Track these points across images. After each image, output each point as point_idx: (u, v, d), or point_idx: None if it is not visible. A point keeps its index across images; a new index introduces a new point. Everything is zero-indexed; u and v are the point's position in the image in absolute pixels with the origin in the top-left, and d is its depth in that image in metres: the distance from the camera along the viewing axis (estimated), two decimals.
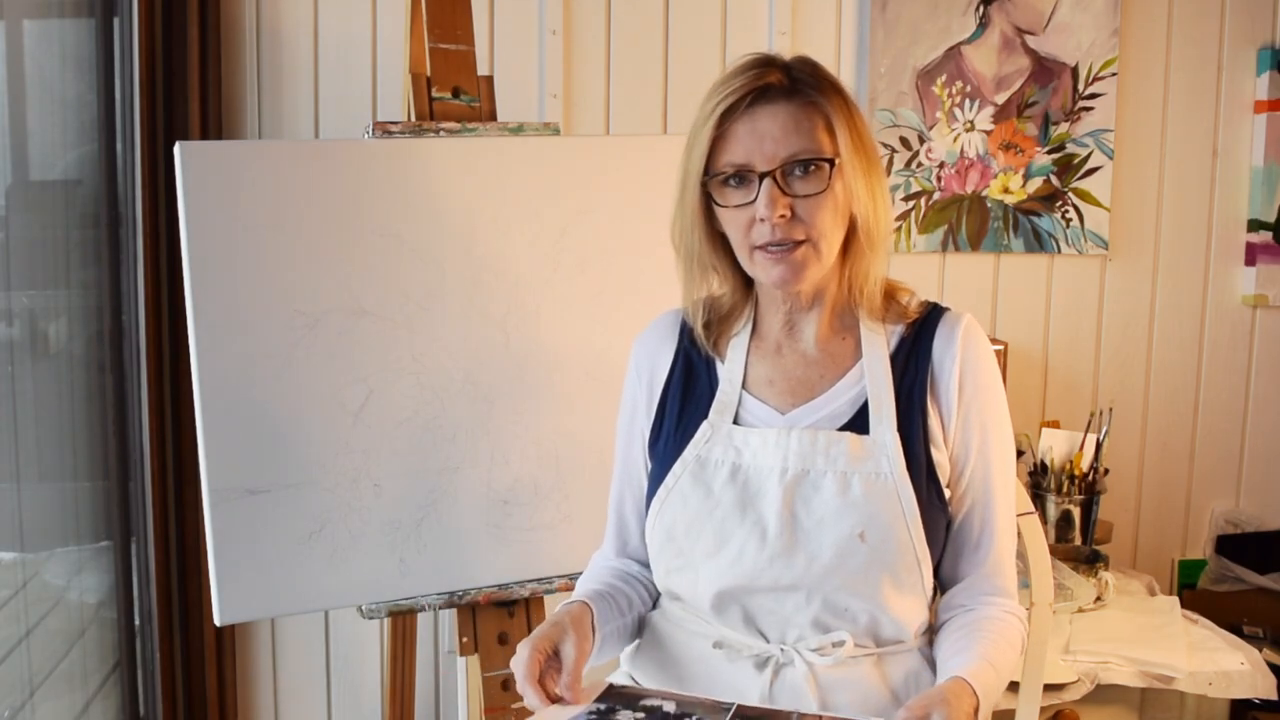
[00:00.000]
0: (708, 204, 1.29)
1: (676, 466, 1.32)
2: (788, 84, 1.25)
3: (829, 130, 1.24)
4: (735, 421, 1.33)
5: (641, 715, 1.17)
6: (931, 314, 1.34)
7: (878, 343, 1.32)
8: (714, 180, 1.27)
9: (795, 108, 1.24)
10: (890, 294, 1.35)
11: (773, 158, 1.23)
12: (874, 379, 1.30)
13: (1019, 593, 1.38)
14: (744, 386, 1.34)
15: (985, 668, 1.22)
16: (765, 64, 1.26)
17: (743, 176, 1.25)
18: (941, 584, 1.36)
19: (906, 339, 1.32)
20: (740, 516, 1.28)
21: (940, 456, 1.30)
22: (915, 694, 1.28)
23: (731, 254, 1.32)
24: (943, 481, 1.30)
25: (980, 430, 1.31)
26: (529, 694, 1.20)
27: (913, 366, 1.31)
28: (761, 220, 1.24)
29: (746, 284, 1.37)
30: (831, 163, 1.24)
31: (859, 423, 1.29)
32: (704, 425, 1.33)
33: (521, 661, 1.21)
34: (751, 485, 1.29)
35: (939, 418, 1.30)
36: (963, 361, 1.30)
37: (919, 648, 1.32)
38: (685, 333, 1.40)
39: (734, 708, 1.17)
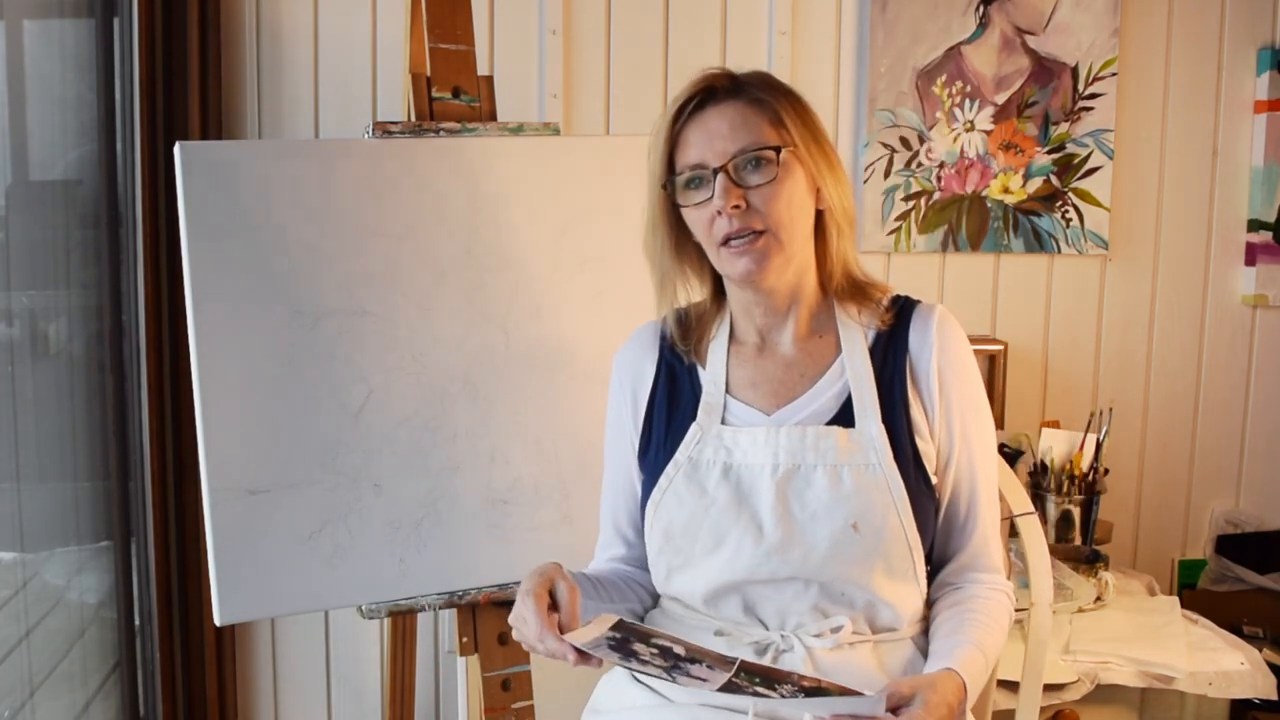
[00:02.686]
0: (675, 211, 1.34)
1: (669, 469, 1.35)
2: (732, 86, 1.32)
3: (779, 124, 1.30)
4: (722, 423, 1.35)
5: (655, 650, 1.16)
6: (905, 307, 1.38)
7: (856, 338, 1.36)
8: (677, 184, 1.32)
9: (742, 105, 1.30)
10: (864, 290, 1.38)
11: (723, 153, 1.28)
12: (855, 374, 1.34)
13: (1019, 593, 1.39)
14: (727, 391, 1.37)
15: (974, 654, 1.26)
16: (713, 73, 1.33)
17: (700, 176, 1.30)
18: (933, 565, 1.39)
19: (883, 333, 1.36)
20: (735, 513, 1.30)
21: (925, 446, 1.33)
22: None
23: (702, 261, 1.37)
24: (929, 469, 1.33)
25: (961, 417, 1.35)
26: (548, 641, 1.17)
27: (891, 359, 1.35)
28: (719, 214, 1.28)
29: (719, 292, 1.41)
30: (778, 151, 1.28)
31: (844, 417, 1.32)
32: (693, 427, 1.36)
33: (530, 614, 1.19)
34: (744, 483, 1.31)
35: (921, 408, 1.34)
36: (939, 352, 1.34)
37: (913, 637, 1.34)
38: (665, 342, 1.43)
39: (738, 662, 1.18)
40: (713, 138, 1.29)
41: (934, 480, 1.34)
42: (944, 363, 1.34)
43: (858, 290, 1.38)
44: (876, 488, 1.28)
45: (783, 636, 1.30)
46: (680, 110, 1.32)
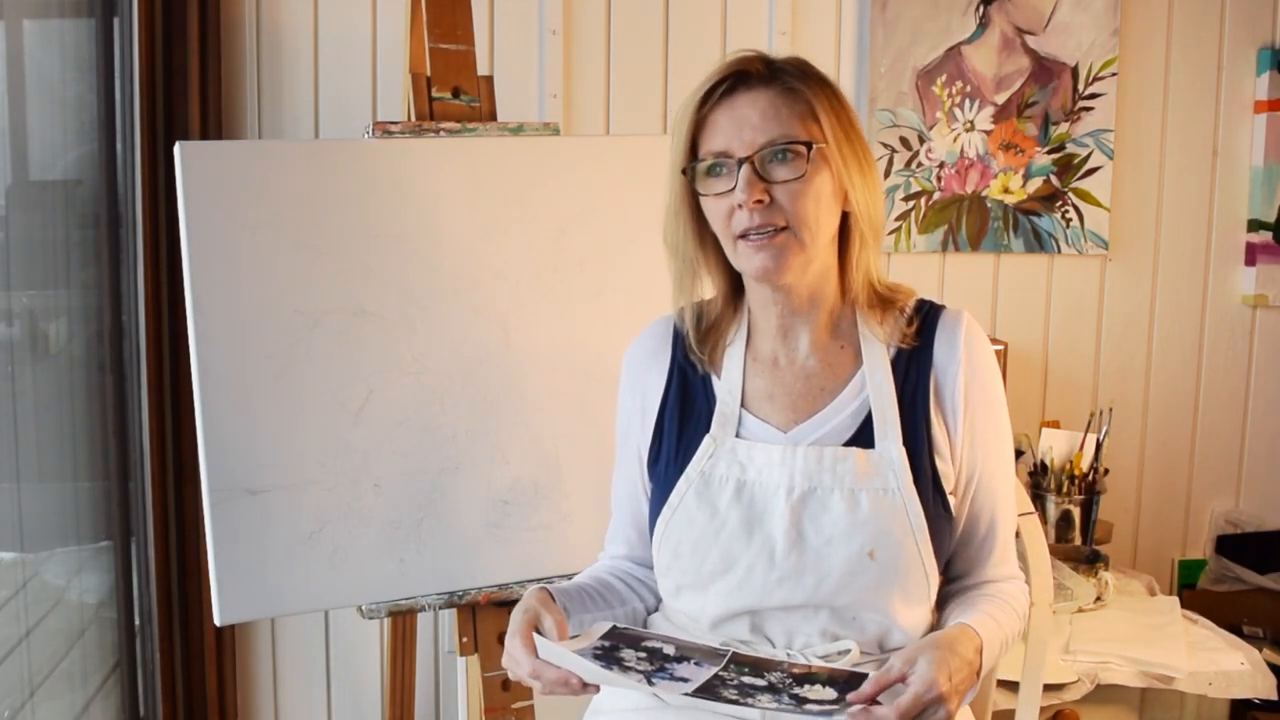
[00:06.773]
0: (694, 197, 1.28)
1: (680, 484, 1.30)
2: (767, 72, 1.25)
3: (812, 117, 1.24)
4: (736, 436, 1.31)
5: (644, 654, 1.17)
6: (929, 315, 1.33)
7: (877, 350, 1.30)
8: (698, 170, 1.26)
9: (775, 94, 1.23)
10: (887, 299, 1.33)
11: (751, 144, 1.22)
12: (876, 390, 1.28)
13: None
14: (742, 404, 1.32)
15: (987, 620, 1.24)
16: (748, 56, 1.26)
17: (723, 164, 1.24)
18: (948, 574, 1.35)
19: (906, 344, 1.31)
20: (747, 537, 1.27)
21: (945, 466, 1.29)
22: None
23: (722, 255, 1.31)
24: (947, 489, 1.29)
25: (985, 435, 1.31)
26: (547, 673, 1.17)
27: (914, 373, 1.30)
28: (739, 206, 1.22)
29: (736, 289, 1.35)
30: (809, 146, 1.22)
31: (863, 436, 1.28)
32: (706, 439, 1.31)
33: (520, 654, 1.19)
34: (758, 504, 1.27)
35: (944, 428, 1.29)
36: (967, 369, 1.29)
37: None
38: (679, 345, 1.37)
39: (730, 654, 1.18)
40: (741, 126, 1.22)
41: (951, 500, 1.29)
42: (970, 379, 1.29)
43: (880, 301, 1.32)
44: (895, 513, 1.24)
45: (789, 655, 1.27)
46: (710, 93, 1.24)
